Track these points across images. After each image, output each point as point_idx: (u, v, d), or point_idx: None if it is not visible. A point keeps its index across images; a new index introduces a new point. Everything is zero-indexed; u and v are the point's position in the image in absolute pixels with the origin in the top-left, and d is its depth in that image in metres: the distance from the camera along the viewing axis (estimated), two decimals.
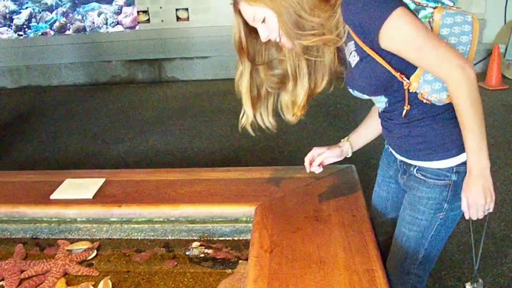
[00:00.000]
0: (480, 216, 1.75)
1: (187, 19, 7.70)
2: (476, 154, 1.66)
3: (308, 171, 2.08)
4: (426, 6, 1.92)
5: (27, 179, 2.57)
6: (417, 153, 1.86)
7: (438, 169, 1.83)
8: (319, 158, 2.08)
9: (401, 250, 1.99)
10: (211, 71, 7.77)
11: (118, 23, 8.41)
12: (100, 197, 2.33)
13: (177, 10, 7.73)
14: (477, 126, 1.62)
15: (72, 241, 2.24)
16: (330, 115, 6.02)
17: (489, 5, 7.27)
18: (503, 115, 5.72)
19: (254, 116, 2.00)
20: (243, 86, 1.94)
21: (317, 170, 2.09)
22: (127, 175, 2.56)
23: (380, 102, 1.86)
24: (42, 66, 8.12)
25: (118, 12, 8.49)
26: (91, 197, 2.32)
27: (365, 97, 1.87)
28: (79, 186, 2.41)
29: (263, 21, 1.74)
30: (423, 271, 2.02)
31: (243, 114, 2.00)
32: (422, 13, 1.85)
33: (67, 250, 2.16)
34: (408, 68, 1.69)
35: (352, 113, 6.05)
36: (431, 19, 1.75)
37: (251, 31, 1.85)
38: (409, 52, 1.62)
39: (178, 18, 7.76)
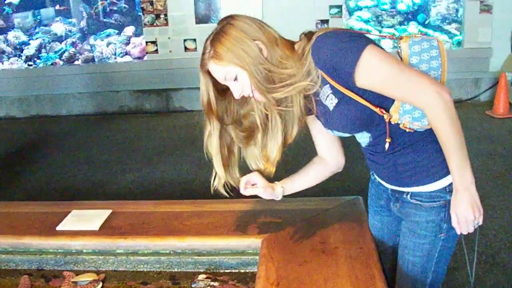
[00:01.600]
0: (471, 230, 1.77)
1: (195, 49, 7.76)
2: (460, 172, 1.69)
3: (243, 191, 2.06)
4: (392, 38, 2.01)
5: (33, 210, 2.57)
6: (408, 180, 1.87)
7: (432, 191, 1.84)
8: (251, 190, 2.06)
9: (408, 278, 1.98)
10: None
11: (126, 53, 8.49)
12: (106, 229, 2.32)
13: (185, 40, 7.80)
14: (458, 145, 1.66)
15: (78, 272, 2.23)
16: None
17: (495, 34, 7.30)
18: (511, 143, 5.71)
19: (226, 176, 2.01)
20: (213, 147, 1.96)
21: (246, 193, 2.07)
22: (134, 207, 2.55)
23: (363, 137, 1.88)
24: (51, 96, 8.17)
25: (127, 42, 8.57)
26: (97, 228, 2.32)
27: (346, 135, 1.89)
28: (85, 218, 2.41)
29: (235, 79, 1.76)
30: None
31: (214, 177, 2.02)
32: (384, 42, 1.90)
33: (73, 282, 2.15)
34: (386, 102, 1.73)
35: (358, 144, 6.03)
36: (399, 49, 1.78)
37: (219, 91, 1.87)
38: (385, 87, 1.66)
39: (186, 49, 7.82)
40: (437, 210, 1.85)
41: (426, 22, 7.98)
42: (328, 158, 2.10)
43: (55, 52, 8.66)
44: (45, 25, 8.98)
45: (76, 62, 8.55)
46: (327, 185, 4.91)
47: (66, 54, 8.60)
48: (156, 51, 7.94)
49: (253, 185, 2.07)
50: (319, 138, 2.07)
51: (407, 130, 1.76)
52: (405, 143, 1.81)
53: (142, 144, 6.58)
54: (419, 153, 1.82)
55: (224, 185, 2.03)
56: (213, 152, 1.96)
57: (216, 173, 2.01)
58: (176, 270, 2.23)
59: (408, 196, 1.90)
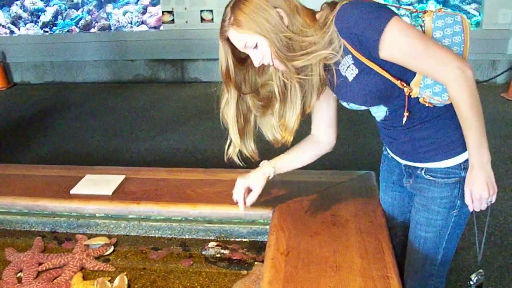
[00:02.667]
0: (483, 207, 1.79)
1: (212, 20, 7.72)
2: (477, 149, 1.70)
3: (243, 209, 2.04)
4: (416, 11, 1.96)
5: (48, 173, 2.60)
6: (424, 156, 1.87)
7: (447, 168, 1.84)
8: (251, 197, 2.04)
9: (419, 253, 1.99)
10: None
11: (142, 22, 8.46)
12: (119, 194, 2.35)
13: (201, 11, 7.75)
14: (478, 123, 1.66)
15: (90, 236, 2.26)
16: (350, 121, 5.99)
17: None
18: None
19: (241, 145, 2.02)
20: (230, 116, 1.95)
21: (248, 205, 2.05)
22: (147, 173, 2.57)
23: (380, 111, 1.87)
24: (67, 63, 8.19)
25: (143, 11, 8.54)
26: (110, 193, 2.34)
27: (362, 108, 1.88)
28: (99, 182, 2.44)
29: (255, 46, 1.75)
30: (443, 271, 2.03)
31: (229, 144, 2.02)
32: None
33: (85, 245, 2.18)
34: (407, 75, 1.72)
35: (372, 120, 6.02)
36: (422, 23, 1.77)
37: (238, 60, 1.86)
38: (408, 59, 1.65)
39: (202, 20, 7.78)
40: (451, 186, 1.85)
41: (445, 1, 7.88)
42: (323, 137, 2.09)
43: (72, 19, 8.64)
44: None
45: (92, 30, 8.53)
46: (339, 160, 4.94)
47: (82, 21, 8.58)
48: (173, 21, 7.91)
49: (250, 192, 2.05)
50: (319, 116, 2.06)
51: (426, 105, 1.75)
52: (423, 118, 1.80)
53: (156, 113, 6.59)
54: (436, 128, 1.81)
55: (237, 155, 2.03)
56: (230, 121, 1.96)
57: (230, 142, 2.01)
58: (187, 237, 2.26)
59: (423, 171, 1.90)
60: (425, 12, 1.78)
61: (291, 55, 1.72)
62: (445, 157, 1.83)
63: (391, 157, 2.07)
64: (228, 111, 1.95)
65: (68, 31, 8.56)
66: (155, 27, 8.34)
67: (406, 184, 2.02)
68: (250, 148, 2.04)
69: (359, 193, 2.26)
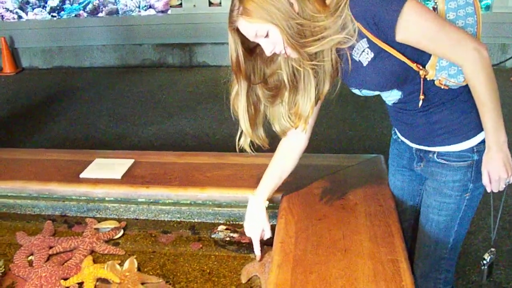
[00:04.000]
0: (502, 188, 1.79)
1: (220, 4, 7.70)
2: (494, 131, 1.70)
3: (259, 257, 2.00)
4: None
5: (57, 158, 2.61)
6: (437, 139, 1.87)
7: (460, 151, 1.84)
8: (267, 235, 2.03)
9: (431, 237, 1.99)
10: None
11: (150, 6, 8.44)
12: (128, 178, 2.36)
13: None
14: (494, 104, 1.66)
15: (100, 220, 2.27)
16: (359, 104, 5.98)
17: None
18: None
19: (253, 135, 1.99)
20: (240, 107, 1.92)
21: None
22: (156, 157, 2.58)
23: (392, 96, 1.85)
24: (74, 47, 8.20)
25: None
26: (119, 177, 2.35)
27: (375, 93, 1.86)
28: (108, 166, 2.44)
29: (266, 35, 1.72)
30: (454, 254, 2.03)
31: (240, 135, 1.99)
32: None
33: (95, 228, 2.19)
34: (422, 57, 1.71)
35: (380, 104, 6.01)
36: (435, 5, 1.74)
37: (247, 50, 1.84)
38: (425, 41, 1.64)
39: (210, 3, 7.76)
40: (464, 169, 1.85)
41: None
42: (303, 136, 2.04)
43: (79, 4, 8.63)
44: None
45: (100, 14, 8.52)
46: (348, 145, 4.93)
47: (90, 6, 8.57)
48: (180, 5, 7.90)
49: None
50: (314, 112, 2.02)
51: (442, 87, 1.74)
52: (437, 101, 1.80)
53: (164, 98, 6.60)
54: (450, 111, 1.81)
55: (249, 145, 2.03)
56: (240, 112, 1.94)
57: (241, 133, 1.99)
58: (196, 220, 2.26)
59: (435, 155, 1.89)
60: None
61: (304, 42, 1.69)
62: (459, 140, 1.83)
63: (401, 140, 2.06)
64: (239, 103, 1.92)
65: (75, 15, 8.56)
66: (162, 11, 8.32)
67: (417, 168, 2.01)
68: (261, 136, 2.03)
69: (367, 177, 2.26)
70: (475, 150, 1.82)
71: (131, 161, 2.49)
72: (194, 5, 7.81)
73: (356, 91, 1.90)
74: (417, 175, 2.06)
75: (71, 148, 5.00)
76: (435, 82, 1.73)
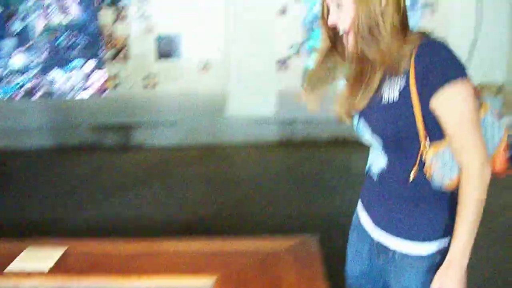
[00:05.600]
0: None
1: (155, 85, 7.78)
2: (463, 247, 1.69)
3: None
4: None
5: None
6: (402, 227, 1.83)
7: (421, 255, 1.81)
8: None
9: None
10: (179, 137, 7.81)
11: (86, 88, 8.45)
12: (60, 268, 2.29)
13: (146, 76, 7.82)
14: (473, 221, 1.66)
15: None
16: (298, 180, 6.06)
17: None
18: None
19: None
20: (317, 59, 1.92)
21: None
22: (89, 246, 2.52)
23: (378, 160, 1.86)
24: (9, 129, 8.07)
25: (87, 77, 8.55)
26: (47, 270, 2.27)
27: (365, 137, 1.86)
28: (38, 257, 2.37)
29: (339, 5, 1.72)
30: None
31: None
32: None
33: None
34: (435, 134, 1.71)
35: (319, 177, 6.12)
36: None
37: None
38: (448, 120, 1.65)
39: (146, 85, 7.83)
40: (425, 273, 1.81)
41: None
42: None
43: (15, 85, 8.57)
44: (5, 57, 8.90)
45: (35, 96, 8.47)
46: (284, 221, 4.94)
47: (25, 87, 8.52)
48: (116, 86, 7.94)
49: None
50: None
51: (427, 175, 1.74)
52: (418, 188, 1.78)
53: (101, 180, 6.51)
54: (427, 203, 1.80)
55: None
56: (318, 58, 1.92)
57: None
58: None
59: (396, 255, 1.86)
60: (482, 103, 1.77)
61: (368, 38, 1.69)
62: (421, 238, 1.81)
63: (364, 228, 2.03)
64: (321, 50, 1.90)
65: (11, 96, 8.47)
66: (99, 92, 8.34)
67: (377, 262, 1.98)
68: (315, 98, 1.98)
69: (301, 259, 2.25)
70: (438, 253, 1.80)
71: (63, 249, 2.43)
72: (131, 87, 7.87)
73: (354, 121, 1.90)
74: (378, 267, 2.01)
75: (2, 235, 4.83)
76: (425, 165, 1.73)
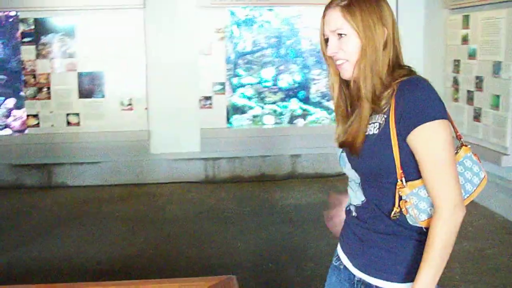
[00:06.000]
0: None
1: (78, 124, 7.71)
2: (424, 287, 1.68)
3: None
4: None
5: None
6: (380, 269, 1.82)
7: None
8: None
9: None
10: (102, 176, 7.73)
11: (6, 126, 8.26)
12: None
13: (67, 115, 7.74)
14: (437, 265, 1.66)
15: None
16: (218, 219, 6.11)
17: None
18: None
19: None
20: (335, 96, 1.92)
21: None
22: None
23: (356, 195, 1.89)
24: None
25: (7, 115, 8.36)
26: None
27: (345, 170, 1.90)
28: None
29: (340, 36, 1.76)
30: None
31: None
32: None
33: None
34: (411, 173, 1.73)
35: (240, 217, 6.22)
36: (458, 150, 1.80)
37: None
38: (425, 161, 1.66)
39: (69, 123, 7.75)
40: None
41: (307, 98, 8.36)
42: None
43: None
44: None
45: None
46: (206, 261, 4.96)
47: None
48: (38, 124, 7.81)
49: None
50: None
51: (403, 211, 1.74)
52: (394, 226, 1.79)
53: (21, 221, 6.34)
54: (402, 243, 1.80)
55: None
56: (335, 101, 1.92)
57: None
58: None
59: None
60: (463, 145, 1.82)
61: (368, 73, 1.74)
62: (403, 279, 1.79)
63: (343, 267, 2.00)
64: (334, 92, 1.92)
65: None
66: (19, 131, 8.17)
67: None
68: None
69: None
70: None
71: None
72: (52, 125, 7.77)
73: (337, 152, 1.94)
74: None
75: None
76: (400, 202, 1.73)
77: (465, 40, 6.67)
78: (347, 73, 1.80)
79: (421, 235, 1.77)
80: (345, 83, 1.90)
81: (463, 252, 5.00)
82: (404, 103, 1.68)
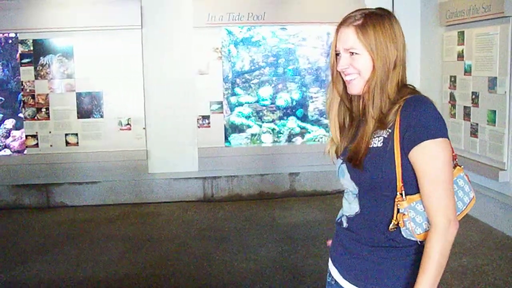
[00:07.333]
0: None
1: (77, 144, 7.73)
2: None
3: None
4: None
5: None
6: (371, 282, 1.86)
7: None
8: None
9: None
10: (100, 196, 7.75)
11: (5, 146, 8.28)
12: None
13: (66, 135, 7.76)
14: (433, 277, 1.71)
15: None
16: (217, 238, 6.10)
17: None
18: None
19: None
20: (332, 112, 1.98)
21: None
22: None
23: (350, 206, 1.92)
24: None
25: (6, 135, 8.39)
26: None
27: (343, 181, 1.93)
28: None
29: (352, 55, 1.81)
30: None
31: (330, 141, 2.03)
32: None
33: None
34: (410, 187, 1.78)
35: (239, 235, 6.21)
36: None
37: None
38: (425, 176, 1.72)
39: (67, 143, 7.77)
40: None
41: (304, 117, 8.38)
42: None
43: None
44: None
45: None
46: (204, 280, 4.96)
47: None
48: (37, 145, 7.83)
49: None
50: None
51: (399, 224, 1.78)
52: (388, 240, 1.83)
53: (19, 241, 6.35)
54: (397, 256, 1.84)
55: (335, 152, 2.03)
56: (331, 117, 1.99)
57: (331, 139, 2.02)
58: None
59: None
60: (457, 165, 1.88)
61: (378, 92, 1.80)
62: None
63: (334, 283, 2.04)
64: (332, 108, 1.98)
65: None
66: (18, 151, 8.19)
67: None
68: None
69: None
70: None
71: None
72: (51, 145, 7.78)
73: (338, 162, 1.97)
74: None
75: None
76: (398, 215, 1.78)
77: (460, 56, 6.70)
78: (356, 88, 1.86)
79: (409, 249, 1.82)
80: (347, 98, 1.96)
81: (462, 268, 5.01)
82: (409, 119, 1.74)
